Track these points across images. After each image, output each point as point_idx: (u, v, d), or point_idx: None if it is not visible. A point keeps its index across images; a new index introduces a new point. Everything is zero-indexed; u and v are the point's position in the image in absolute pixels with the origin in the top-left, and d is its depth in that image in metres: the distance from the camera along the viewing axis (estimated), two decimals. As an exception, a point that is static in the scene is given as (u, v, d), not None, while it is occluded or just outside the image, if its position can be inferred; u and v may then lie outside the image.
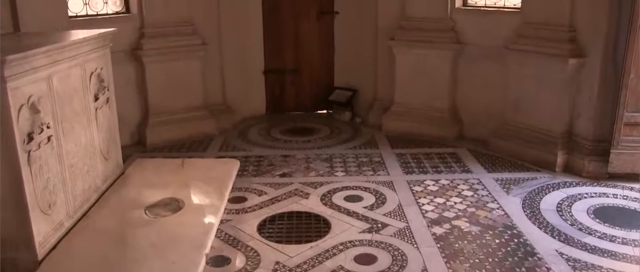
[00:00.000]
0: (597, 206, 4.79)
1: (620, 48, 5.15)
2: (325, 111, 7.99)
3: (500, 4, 6.38)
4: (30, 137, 3.47)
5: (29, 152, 3.46)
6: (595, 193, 5.09)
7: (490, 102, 6.34)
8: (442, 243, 4.18)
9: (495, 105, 6.26)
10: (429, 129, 6.70)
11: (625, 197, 4.97)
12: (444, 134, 6.65)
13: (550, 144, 5.67)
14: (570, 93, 5.56)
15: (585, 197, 4.99)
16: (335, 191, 5.18)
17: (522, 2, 5.97)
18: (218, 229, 4.31)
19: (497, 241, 4.22)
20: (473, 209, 4.76)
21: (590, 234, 4.31)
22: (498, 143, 6.17)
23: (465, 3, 6.61)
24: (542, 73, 5.67)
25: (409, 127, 6.79)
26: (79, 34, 4.55)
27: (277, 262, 3.90)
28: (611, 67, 5.30)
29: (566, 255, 3.98)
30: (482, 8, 6.47)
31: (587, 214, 4.65)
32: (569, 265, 3.84)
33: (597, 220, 4.53)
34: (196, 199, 4.71)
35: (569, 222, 4.50)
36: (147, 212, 4.37)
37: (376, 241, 4.21)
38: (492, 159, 6.00)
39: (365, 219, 4.58)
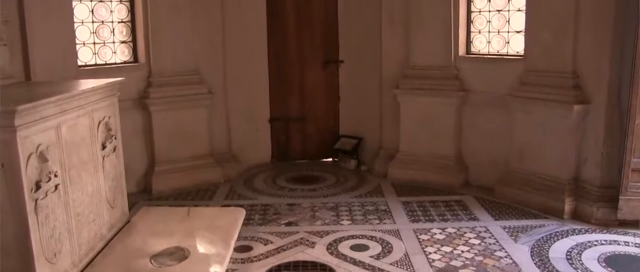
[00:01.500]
0: (609, 254, 4.72)
1: (624, 93, 5.18)
2: (330, 159, 8.00)
3: (504, 51, 6.45)
4: (37, 186, 3.46)
5: (36, 200, 3.45)
6: (605, 240, 5.02)
7: (496, 149, 6.34)
8: (450, 292, 4.11)
9: (501, 152, 6.26)
10: (434, 176, 6.68)
11: (637, 245, 4.88)
12: (450, 182, 6.62)
13: (558, 191, 5.63)
14: (576, 139, 5.56)
15: (596, 245, 4.92)
16: (341, 239, 5.13)
17: (525, 50, 6.04)
18: (224, 279, 4.26)
19: (506, 289, 4.15)
20: (481, 258, 4.69)
21: (602, 283, 4.24)
22: (504, 190, 6.14)
23: (468, 51, 6.70)
24: (547, 120, 5.68)
25: (414, 175, 6.78)
26: (88, 83, 4.60)
27: (284, 312, 3.84)
28: (616, 112, 5.32)
29: (578, 304, 3.91)
30: (485, 56, 6.54)
31: (598, 262, 4.58)
32: (581, 314, 3.77)
33: (609, 269, 4.46)
34: (202, 248, 4.67)
35: (579, 271, 4.43)
36: (152, 261, 4.32)
37: (384, 290, 4.14)
38: (499, 207, 5.96)
39: (372, 268, 4.52)
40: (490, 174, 6.39)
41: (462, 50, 6.67)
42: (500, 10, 6.44)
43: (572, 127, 5.51)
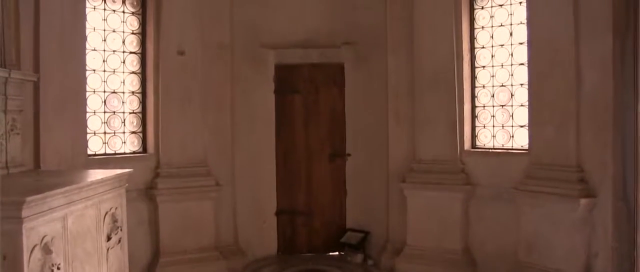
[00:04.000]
0: None
1: (630, 187, 5.16)
2: (337, 253, 7.89)
3: (508, 145, 6.52)
4: (39, 279, 3.42)
5: (37, 293, 3.40)
6: None
7: (504, 243, 6.26)
8: None
9: (509, 246, 6.17)
10: (442, 271, 6.56)
11: None
12: (458, 277, 6.51)
13: (568, 286, 5.51)
14: (585, 233, 5.49)
15: None
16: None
17: (529, 144, 6.09)
18: None
19: None
20: None
21: None
22: (514, 285, 6.01)
23: (474, 145, 6.76)
24: (554, 213, 5.65)
25: (422, 269, 6.66)
26: (97, 174, 4.64)
27: None
28: (623, 206, 5.27)
29: None
30: (490, 150, 6.60)
31: None
32: None
33: None
34: None
35: None
36: None
37: None
38: (509, 303, 5.81)
39: None
40: (498, 268, 6.28)
41: (467, 145, 6.74)
42: (504, 106, 6.57)
43: (580, 220, 5.47)
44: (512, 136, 6.51)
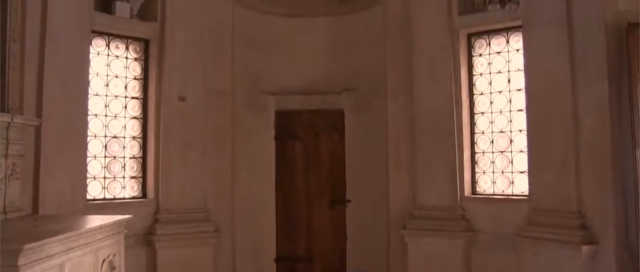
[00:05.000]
0: None
1: (632, 234, 5.14)
2: (337, 300, 7.79)
3: (509, 191, 6.51)
4: (31, 329, 3.34)
5: None
6: None
7: (506, 291, 6.18)
8: None
9: (512, 295, 6.09)
10: (444, 319, 6.47)
11: None
12: (460, 325, 6.40)
13: None
14: (589, 280, 5.43)
15: None
16: None
17: (529, 190, 6.08)
18: None
19: None
20: None
21: None
22: (517, 335, 5.90)
23: (474, 191, 6.75)
24: (556, 260, 5.58)
25: (423, 317, 6.57)
26: (95, 221, 4.61)
27: None
28: (626, 253, 5.23)
29: None
30: (491, 196, 6.59)
31: None
32: None
33: None
34: None
35: None
36: None
37: None
38: None
39: None
40: (501, 317, 6.19)
41: (468, 191, 6.72)
42: (503, 152, 6.59)
43: (582, 268, 5.40)
44: (512, 182, 6.51)
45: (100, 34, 6.44)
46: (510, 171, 6.53)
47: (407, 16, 7.01)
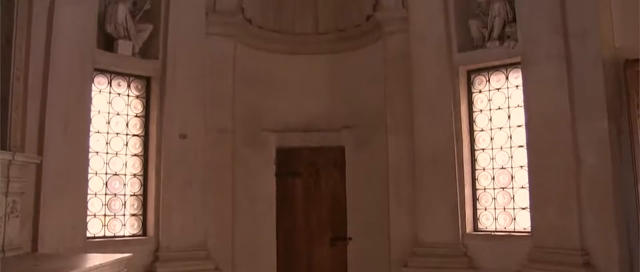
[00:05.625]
0: None
1: (637, 271, 5.09)
2: None
3: (511, 228, 6.47)
4: None
5: None
6: None
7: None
8: None
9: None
10: None
11: None
12: None
13: None
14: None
15: None
16: None
17: (531, 227, 6.05)
18: None
19: None
20: None
21: None
22: None
23: (476, 228, 6.71)
24: (560, 299, 5.53)
25: None
26: (95, 260, 4.58)
27: None
28: (632, 292, 5.19)
29: None
30: (493, 233, 6.54)
31: None
32: None
33: None
34: None
35: None
36: None
37: None
38: None
39: None
40: None
41: (469, 228, 6.68)
42: (505, 188, 6.58)
43: (588, 306, 5.35)
44: (514, 219, 6.48)
45: (102, 71, 6.49)
46: (512, 207, 6.51)
47: (407, 53, 7.07)
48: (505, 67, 6.68)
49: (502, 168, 6.63)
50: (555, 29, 5.90)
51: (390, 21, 7.28)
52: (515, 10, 6.41)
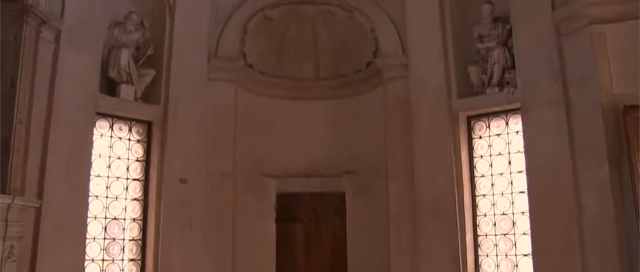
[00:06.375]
0: None
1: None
2: None
3: (513, 275, 6.41)
4: None
5: None
6: None
7: None
8: None
9: None
10: None
11: None
12: None
13: None
14: None
15: None
16: None
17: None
18: None
19: None
20: None
21: None
22: None
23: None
24: None
25: None
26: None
27: None
28: None
29: None
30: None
31: None
32: None
33: None
34: None
35: None
36: None
37: None
38: None
39: None
40: None
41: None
42: (506, 234, 6.53)
43: None
44: (516, 265, 6.40)
45: (104, 115, 6.53)
46: (514, 253, 6.44)
47: (407, 99, 7.12)
48: (505, 112, 6.71)
49: (504, 214, 6.59)
50: (554, 76, 5.97)
51: (390, 67, 7.37)
52: (514, 57, 6.49)
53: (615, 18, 5.63)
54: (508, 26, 6.66)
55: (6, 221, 4.80)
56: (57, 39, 5.83)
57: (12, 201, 4.83)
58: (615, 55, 5.64)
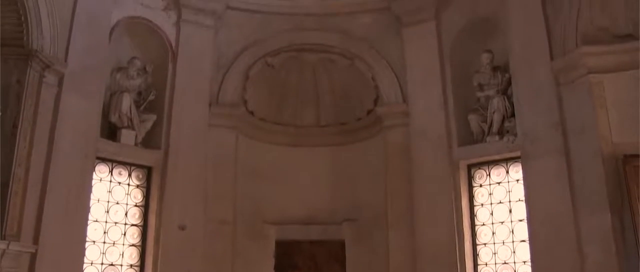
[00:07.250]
0: None
1: None
2: None
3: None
4: None
5: None
6: None
7: None
8: None
9: None
10: None
11: None
12: None
13: None
14: None
15: None
16: None
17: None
18: None
19: None
20: None
21: None
22: None
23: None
24: None
25: None
26: None
27: None
28: None
29: None
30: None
31: None
32: None
33: None
34: None
35: None
36: None
37: None
38: None
39: None
40: None
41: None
42: (506, 262, 6.46)
43: None
44: (519, 300, 6.31)
45: (103, 160, 6.52)
46: (516, 286, 6.35)
47: (407, 147, 7.13)
48: (506, 161, 6.71)
49: (505, 263, 6.51)
50: (553, 125, 5.98)
51: (390, 115, 7.41)
52: (514, 106, 6.52)
53: (613, 68, 5.69)
54: (507, 75, 6.72)
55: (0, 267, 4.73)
56: (60, 83, 5.86)
57: (7, 247, 4.78)
58: (614, 104, 5.67)
